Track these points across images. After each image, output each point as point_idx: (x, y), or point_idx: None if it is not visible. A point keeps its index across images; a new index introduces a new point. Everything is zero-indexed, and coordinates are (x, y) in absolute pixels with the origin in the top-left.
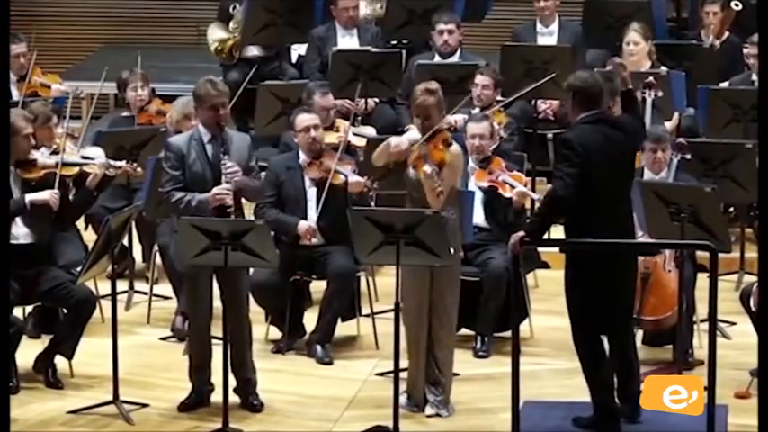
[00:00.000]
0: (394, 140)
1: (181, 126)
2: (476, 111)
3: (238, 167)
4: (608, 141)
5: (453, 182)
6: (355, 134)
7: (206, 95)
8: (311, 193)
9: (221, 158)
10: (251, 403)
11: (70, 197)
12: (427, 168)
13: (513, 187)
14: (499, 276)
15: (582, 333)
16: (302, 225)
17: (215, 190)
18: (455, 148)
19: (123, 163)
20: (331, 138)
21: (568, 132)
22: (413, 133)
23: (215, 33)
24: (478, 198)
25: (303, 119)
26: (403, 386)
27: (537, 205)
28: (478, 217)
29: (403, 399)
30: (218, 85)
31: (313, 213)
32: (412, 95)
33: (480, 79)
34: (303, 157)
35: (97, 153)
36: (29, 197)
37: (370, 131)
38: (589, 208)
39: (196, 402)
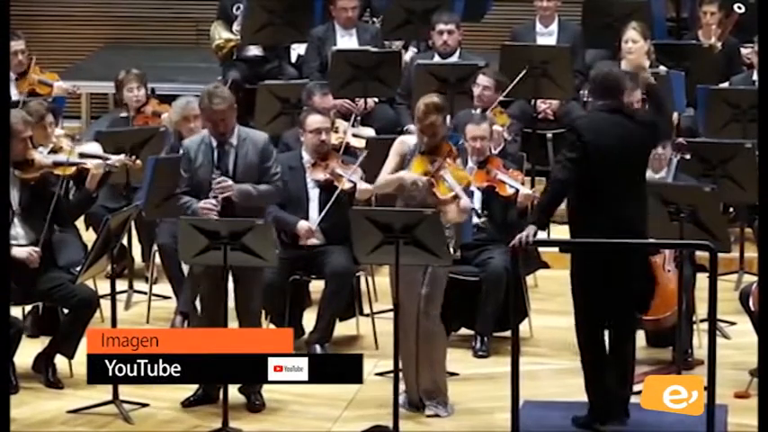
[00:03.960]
0: (408, 177)
1: (180, 127)
2: (475, 111)
3: (228, 182)
4: (621, 131)
5: None
6: (354, 135)
7: (204, 108)
8: (314, 193)
9: (213, 172)
10: (252, 402)
11: (70, 196)
12: (466, 203)
13: (510, 186)
14: (498, 276)
15: (584, 327)
16: (302, 225)
17: (201, 203)
18: (461, 162)
19: (122, 156)
20: (330, 138)
21: (579, 119)
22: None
23: (221, 32)
24: (477, 198)
25: (315, 120)
26: (403, 386)
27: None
28: (476, 216)
29: (402, 398)
30: (216, 98)
31: (315, 214)
32: (417, 109)
33: (482, 79)
34: (307, 157)
35: (94, 149)
36: (12, 252)
37: (369, 132)
38: (596, 196)
39: (202, 399)
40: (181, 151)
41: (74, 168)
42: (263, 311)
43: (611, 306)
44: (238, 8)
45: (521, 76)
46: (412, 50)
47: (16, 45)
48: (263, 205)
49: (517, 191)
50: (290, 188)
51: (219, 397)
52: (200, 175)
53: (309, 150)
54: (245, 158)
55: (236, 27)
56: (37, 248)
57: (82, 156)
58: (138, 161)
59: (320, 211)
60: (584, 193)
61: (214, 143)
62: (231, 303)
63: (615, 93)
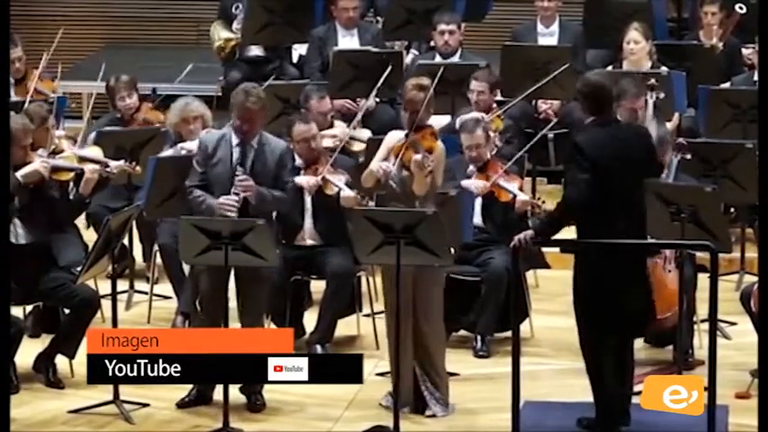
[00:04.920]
0: (376, 166)
1: (179, 128)
2: (470, 114)
3: (250, 181)
4: (618, 143)
5: (437, 176)
6: (352, 138)
7: (238, 104)
8: (306, 196)
9: (236, 169)
10: (253, 402)
11: (70, 197)
12: (418, 156)
13: (509, 191)
14: (499, 277)
15: (586, 333)
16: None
17: (221, 199)
18: (440, 143)
19: (121, 162)
20: (328, 141)
21: (579, 136)
22: (390, 139)
23: (220, 32)
24: (477, 202)
25: (301, 130)
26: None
27: (536, 210)
28: (477, 217)
29: (388, 400)
30: (253, 96)
31: (309, 216)
32: (403, 89)
33: (475, 85)
34: (299, 161)
35: (95, 152)
36: (20, 174)
37: (367, 134)
38: (602, 210)
39: (196, 400)
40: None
41: (71, 174)
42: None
43: (612, 311)
44: (237, 7)
45: (521, 98)
46: (413, 53)
47: (13, 52)
48: (275, 211)
49: (515, 196)
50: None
51: (213, 397)
52: (217, 171)
53: (300, 157)
54: (263, 163)
55: (235, 26)
56: (46, 159)
57: (81, 159)
58: (138, 168)
59: (313, 214)
60: (591, 208)
61: (234, 141)
62: (232, 303)
63: (606, 105)
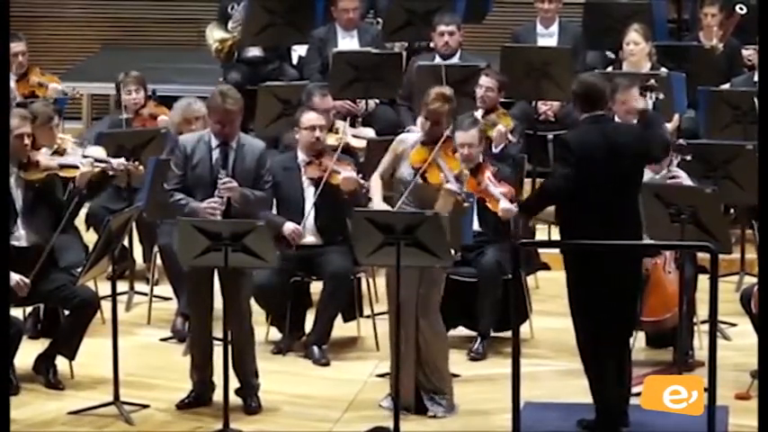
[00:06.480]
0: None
1: (181, 128)
2: (478, 112)
3: (234, 183)
4: (608, 141)
5: None
6: (354, 136)
7: (213, 107)
8: (309, 192)
9: (218, 171)
10: (249, 405)
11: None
12: (452, 186)
13: (496, 199)
14: (491, 272)
15: (584, 336)
16: (288, 226)
17: (205, 203)
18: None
19: (123, 159)
20: (330, 140)
21: (568, 133)
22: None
23: (215, 33)
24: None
25: (310, 117)
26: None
27: None
28: (474, 223)
29: (388, 402)
30: (230, 98)
31: (311, 210)
32: (426, 97)
33: (485, 81)
34: (302, 157)
35: (98, 152)
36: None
37: (370, 132)
38: (586, 207)
39: (195, 401)
40: (174, 148)
41: (77, 171)
42: (265, 312)
43: (608, 313)
44: (233, 7)
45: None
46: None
47: (17, 46)
48: (257, 211)
49: (497, 201)
50: (285, 189)
51: (212, 399)
52: (197, 174)
53: (304, 148)
54: (242, 164)
55: (231, 24)
56: (27, 280)
57: (85, 158)
58: (141, 167)
59: (316, 209)
60: (575, 206)
61: (214, 143)
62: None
63: (600, 103)
